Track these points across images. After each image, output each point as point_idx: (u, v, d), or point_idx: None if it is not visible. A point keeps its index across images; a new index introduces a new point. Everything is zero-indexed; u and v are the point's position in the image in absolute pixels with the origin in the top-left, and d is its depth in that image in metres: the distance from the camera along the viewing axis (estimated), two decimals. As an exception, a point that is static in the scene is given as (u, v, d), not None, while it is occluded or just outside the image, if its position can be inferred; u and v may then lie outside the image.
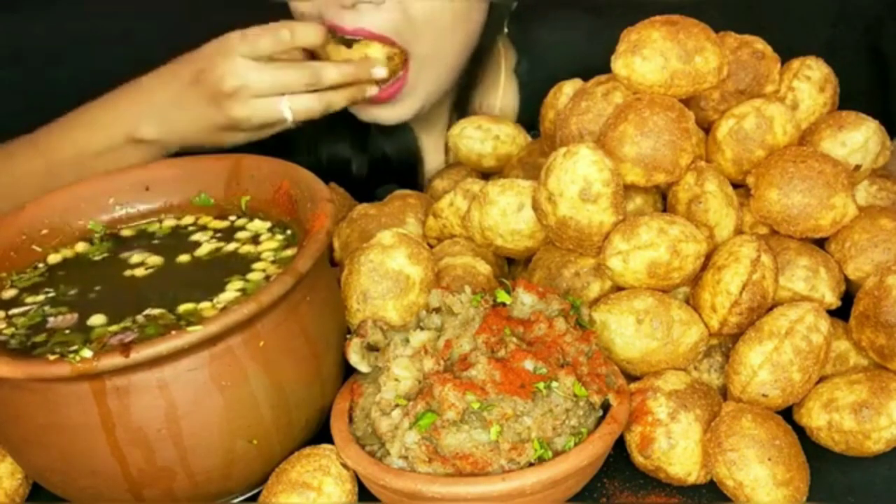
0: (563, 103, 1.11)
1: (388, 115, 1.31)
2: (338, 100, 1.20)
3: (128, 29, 1.52)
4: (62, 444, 0.85)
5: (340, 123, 1.39)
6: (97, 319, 0.90)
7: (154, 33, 1.46)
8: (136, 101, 1.21)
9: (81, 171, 1.18)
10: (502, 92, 1.43)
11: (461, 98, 1.40)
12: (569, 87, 1.13)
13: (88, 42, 1.52)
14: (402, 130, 1.41)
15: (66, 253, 1.02)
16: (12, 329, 0.91)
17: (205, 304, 0.89)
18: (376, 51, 1.22)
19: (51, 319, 0.92)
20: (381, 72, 1.22)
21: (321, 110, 1.19)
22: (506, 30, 1.41)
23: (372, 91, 1.23)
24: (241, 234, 1.01)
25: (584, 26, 1.42)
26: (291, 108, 1.16)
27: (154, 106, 1.20)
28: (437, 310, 0.92)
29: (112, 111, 1.22)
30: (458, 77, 1.35)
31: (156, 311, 0.89)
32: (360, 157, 1.43)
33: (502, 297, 0.92)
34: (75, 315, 0.92)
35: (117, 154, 1.21)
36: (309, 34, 1.17)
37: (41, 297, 0.95)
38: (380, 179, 1.41)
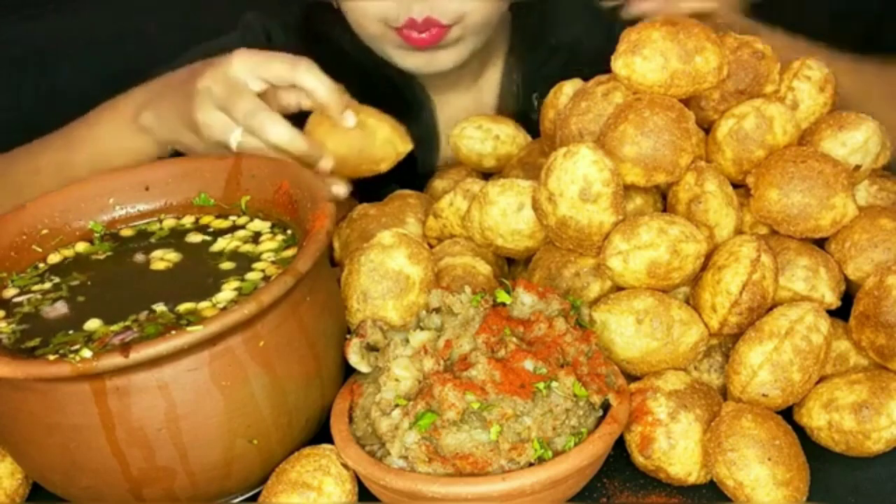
0: (563, 103, 1.11)
1: (427, 66, 1.33)
2: (282, 155, 1.12)
3: (139, 30, 1.53)
4: (62, 444, 0.85)
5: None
6: (97, 319, 0.90)
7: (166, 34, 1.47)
8: (146, 90, 1.23)
9: (97, 159, 1.20)
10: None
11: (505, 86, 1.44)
12: (569, 87, 1.13)
13: (98, 42, 1.52)
14: (427, 109, 1.43)
15: (67, 253, 1.02)
16: (12, 327, 0.91)
17: (204, 304, 0.90)
18: (384, 130, 1.17)
19: (49, 315, 0.92)
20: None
21: (263, 152, 1.13)
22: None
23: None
24: (241, 234, 1.01)
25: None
26: (237, 140, 1.11)
27: (155, 95, 1.20)
28: (437, 310, 0.92)
29: (128, 98, 1.24)
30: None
31: (156, 310, 0.89)
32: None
33: (502, 297, 0.92)
34: (72, 310, 0.92)
35: (126, 141, 1.21)
36: (322, 91, 1.13)
37: (40, 297, 0.95)
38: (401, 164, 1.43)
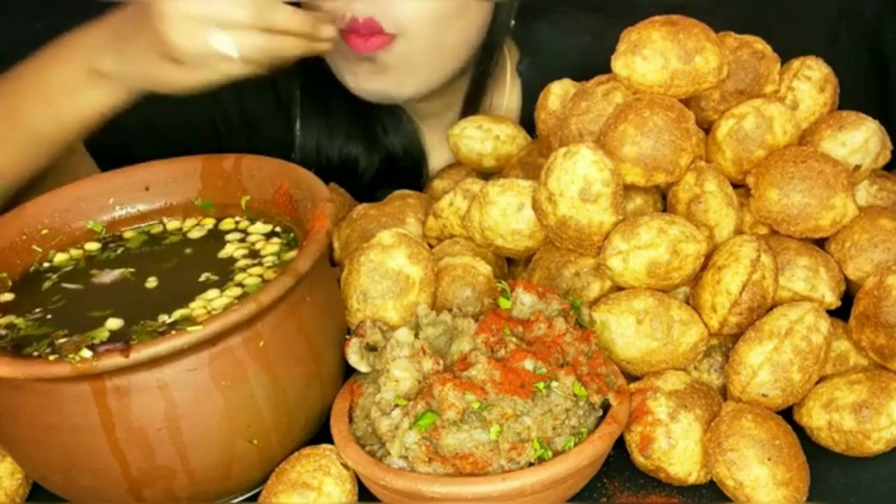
0: (553, 103, 1.11)
1: (373, 86, 1.28)
2: (290, 47, 1.09)
3: None
4: (62, 444, 0.85)
5: (350, 122, 1.39)
6: (94, 321, 0.90)
7: None
8: (98, 32, 1.13)
9: (50, 110, 1.14)
10: (508, 91, 1.43)
11: (472, 98, 1.39)
12: (557, 88, 1.13)
13: None
14: (409, 129, 1.41)
15: (67, 254, 1.02)
16: (9, 328, 0.91)
17: (199, 308, 0.89)
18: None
19: (49, 316, 0.92)
20: (329, 30, 1.13)
21: (271, 52, 1.08)
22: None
23: (324, 47, 1.14)
24: (240, 236, 1.01)
25: (587, 25, 1.41)
26: (237, 44, 1.05)
27: (112, 36, 1.12)
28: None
29: (75, 43, 1.15)
30: (464, 73, 1.35)
31: (155, 313, 0.89)
32: (368, 157, 1.42)
33: (504, 304, 0.92)
34: (72, 310, 0.92)
35: (80, 89, 1.13)
36: None
37: (38, 298, 0.95)
38: (385, 179, 1.40)
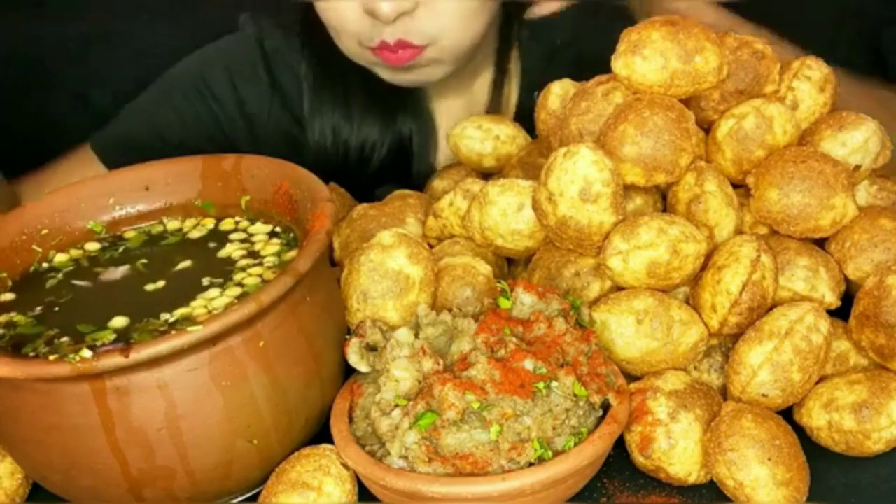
0: (553, 103, 1.11)
1: (408, 77, 1.33)
2: None
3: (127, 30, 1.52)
4: (62, 444, 0.85)
5: (366, 103, 1.41)
6: (95, 321, 0.90)
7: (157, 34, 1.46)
8: None
9: None
10: (512, 64, 1.46)
11: (500, 62, 1.43)
12: (557, 88, 1.13)
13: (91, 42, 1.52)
14: (423, 109, 1.43)
15: (67, 254, 1.02)
16: (8, 328, 0.91)
17: (200, 308, 0.89)
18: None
19: (49, 315, 0.92)
20: None
21: None
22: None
23: None
24: (240, 236, 1.01)
25: None
26: None
27: None
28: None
29: None
30: (484, 48, 1.37)
31: (154, 314, 0.89)
32: (382, 139, 1.44)
33: (504, 304, 0.92)
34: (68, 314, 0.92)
35: None
36: None
37: (39, 297, 0.95)
38: (393, 164, 1.42)
